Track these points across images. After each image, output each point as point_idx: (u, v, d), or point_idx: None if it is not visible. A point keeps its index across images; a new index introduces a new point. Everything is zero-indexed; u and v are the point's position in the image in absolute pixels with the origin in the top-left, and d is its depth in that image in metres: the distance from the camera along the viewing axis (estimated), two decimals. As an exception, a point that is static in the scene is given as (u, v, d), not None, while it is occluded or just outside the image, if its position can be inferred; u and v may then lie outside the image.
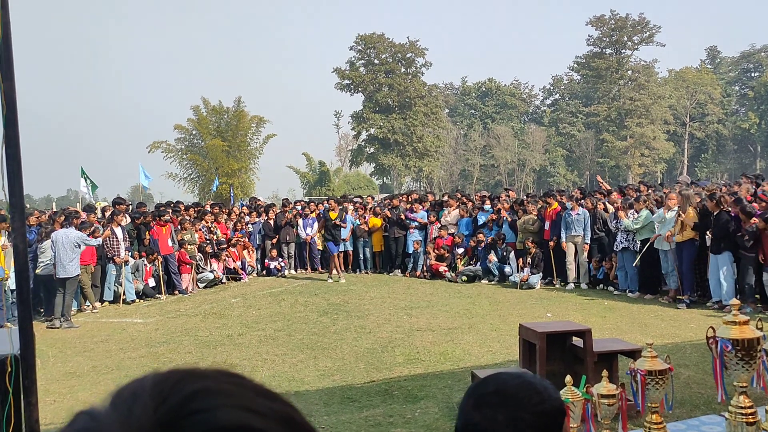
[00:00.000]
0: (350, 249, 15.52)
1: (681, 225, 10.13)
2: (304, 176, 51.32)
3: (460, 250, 14.24)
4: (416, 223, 14.93)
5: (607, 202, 12.56)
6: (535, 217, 13.14)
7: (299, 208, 16.81)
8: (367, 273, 15.40)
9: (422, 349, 7.70)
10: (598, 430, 2.49)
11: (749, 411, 2.38)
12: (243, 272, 14.85)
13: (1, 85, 2.81)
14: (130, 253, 12.37)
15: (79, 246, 10.50)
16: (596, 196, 13.27)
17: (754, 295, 9.46)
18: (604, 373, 2.55)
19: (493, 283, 13.38)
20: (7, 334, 3.20)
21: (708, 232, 9.92)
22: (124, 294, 11.94)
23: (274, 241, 15.65)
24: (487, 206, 14.59)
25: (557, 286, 12.63)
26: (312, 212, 16.00)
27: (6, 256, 9.79)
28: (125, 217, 12.79)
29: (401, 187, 52.46)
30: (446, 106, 64.90)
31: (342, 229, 14.16)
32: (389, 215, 15.43)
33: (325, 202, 16.15)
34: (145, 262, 12.71)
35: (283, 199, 19.11)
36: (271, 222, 15.87)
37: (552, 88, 70.59)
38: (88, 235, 10.76)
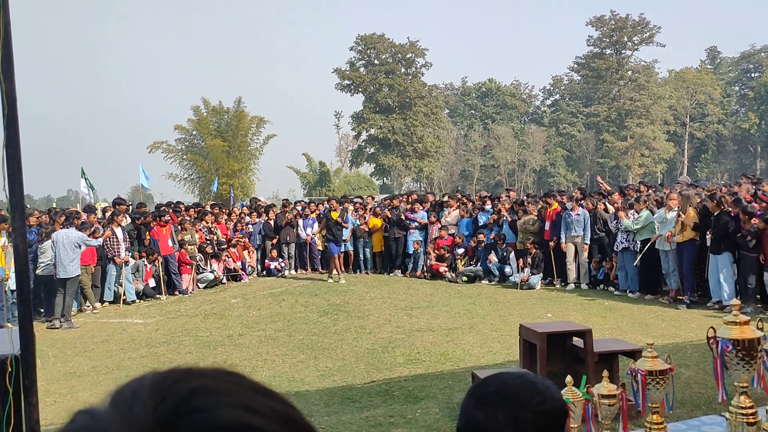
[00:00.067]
0: (350, 249, 15.52)
1: (681, 225, 10.13)
2: (304, 177, 51.32)
3: (461, 251, 14.24)
4: (416, 224, 14.93)
5: (607, 203, 12.56)
6: (536, 218, 13.14)
7: (299, 208, 16.81)
8: (367, 273, 15.40)
9: (423, 349, 7.70)
10: (598, 431, 2.49)
11: (750, 411, 2.38)
12: (243, 273, 14.85)
13: (1, 84, 2.81)
14: (130, 254, 12.38)
15: (80, 246, 10.51)
16: (594, 197, 13.26)
17: (756, 295, 9.46)
18: (605, 373, 2.55)
19: (493, 283, 13.38)
20: (7, 334, 3.20)
21: (708, 233, 9.92)
22: (124, 294, 11.94)
23: (275, 241, 15.65)
24: (488, 207, 14.60)
25: (557, 286, 12.62)
26: (312, 213, 16.02)
27: (6, 257, 9.79)
28: (125, 218, 12.79)
29: (401, 188, 52.48)
30: (446, 106, 64.96)
31: (344, 229, 14.16)
32: (389, 216, 15.44)
33: (326, 202, 16.15)
34: (146, 262, 12.71)
35: (283, 200, 19.11)
36: (272, 222, 15.87)
37: (552, 88, 70.61)
38: (89, 236, 10.76)
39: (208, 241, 14.30)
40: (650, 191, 12.62)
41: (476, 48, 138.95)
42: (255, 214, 16.46)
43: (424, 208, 15.39)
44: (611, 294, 11.56)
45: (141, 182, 20.28)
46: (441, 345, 7.88)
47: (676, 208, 10.26)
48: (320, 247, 15.63)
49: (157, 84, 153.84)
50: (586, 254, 12.29)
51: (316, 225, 15.47)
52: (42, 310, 10.88)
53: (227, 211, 16.54)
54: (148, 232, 13.03)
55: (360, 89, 51.70)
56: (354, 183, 53.43)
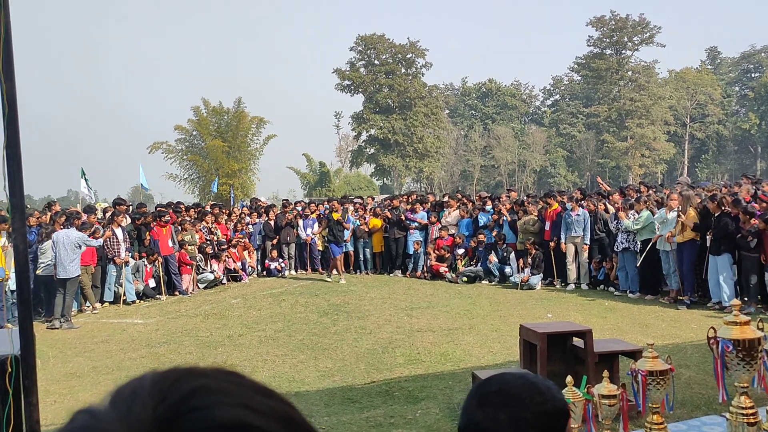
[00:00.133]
0: (351, 250, 15.52)
1: (681, 226, 10.13)
2: (304, 177, 51.31)
3: (461, 251, 14.25)
4: (416, 224, 14.93)
5: (607, 203, 12.57)
6: (536, 218, 13.14)
7: (299, 208, 16.82)
8: (367, 274, 15.40)
9: (423, 349, 7.70)
10: (599, 431, 2.49)
11: (750, 411, 2.38)
12: (243, 273, 14.85)
13: (2, 84, 2.81)
14: (130, 254, 12.38)
15: (80, 247, 10.51)
16: (593, 197, 13.27)
17: (757, 295, 9.45)
18: (605, 373, 2.55)
19: (493, 283, 13.38)
20: (7, 334, 3.19)
21: (708, 234, 9.91)
22: (124, 295, 11.94)
23: (275, 241, 15.66)
24: (488, 207, 14.60)
25: (558, 286, 12.62)
26: (312, 213, 16.02)
27: (6, 257, 9.79)
28: (125, 218, 12.79)
29: (402, 188, 52.49)
30: (446, 106, 64.92)
31: (345, 229, 14.16)
32: (389, 216, 15.44)
33: (326, 202, 16.14)
34: (146, 262, 12.71)
35: (283, 200, 19.11)
36: (272, 223, 15.87)
37: (552, 88, 70.59)
38: (89, 236, 10.77)
39: (208, 242, 14.30)
40: (650, 192, 12.62)
41: (476, 48, 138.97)
42: (255, 214, 16.46)
43: (424, 208, 15.40)
44: (611, 294, 11.55)
45: (141, 182, 20.28)
46: (441, 345, 7.88)
47: (677, 209, 10.26)
48: (320, 248, 15.64)
49: (157, 84, 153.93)
50: (586, 254, 12.29)
51: (316, 225, 15.48)
52: (42, 311, 10.88)
53: (227, 212, 16.54)
54: (148, 233, 13.04)
55: (360, 89, 51.70)
56: (354, 183, 53.43)
